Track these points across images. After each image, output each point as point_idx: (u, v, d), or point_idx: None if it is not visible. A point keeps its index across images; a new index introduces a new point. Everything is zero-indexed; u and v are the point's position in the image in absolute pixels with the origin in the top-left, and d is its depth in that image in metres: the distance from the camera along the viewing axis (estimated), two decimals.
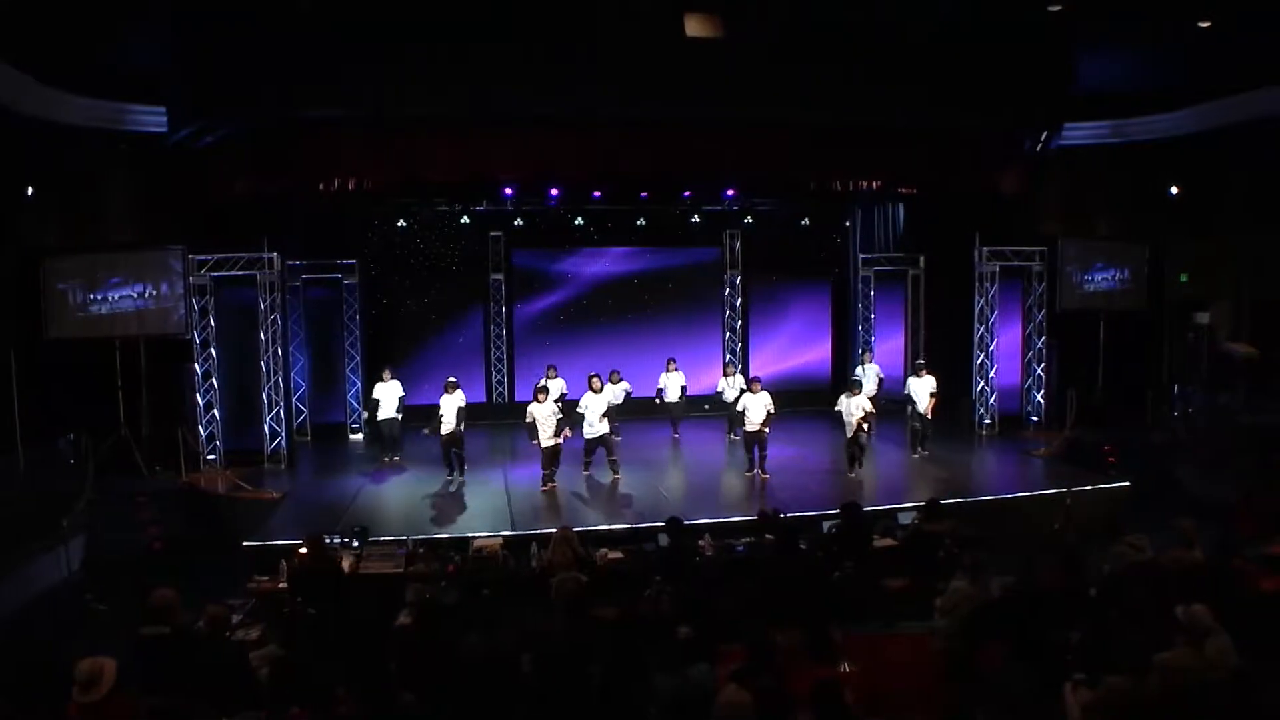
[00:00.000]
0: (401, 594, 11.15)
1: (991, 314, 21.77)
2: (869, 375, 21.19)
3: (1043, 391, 22.10)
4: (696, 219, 24.76)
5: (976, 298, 21.73)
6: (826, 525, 13.80)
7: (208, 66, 17.16)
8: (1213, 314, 22.22)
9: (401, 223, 23.64)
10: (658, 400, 21.41)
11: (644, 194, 22.30)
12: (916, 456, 19.42)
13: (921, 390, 19.21)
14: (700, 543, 13.06)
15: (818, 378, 25.80)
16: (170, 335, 18.74)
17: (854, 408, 17.65)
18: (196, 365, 19.13)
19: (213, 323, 19.23)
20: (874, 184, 21.20)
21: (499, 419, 23.24)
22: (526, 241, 24.64)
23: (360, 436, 22.71)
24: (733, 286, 25.68)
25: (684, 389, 21.37)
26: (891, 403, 21.09)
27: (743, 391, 18.68)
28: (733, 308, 25.68)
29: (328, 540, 12.65)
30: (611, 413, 18.64)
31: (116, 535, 16.12)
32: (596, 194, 21.86)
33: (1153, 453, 19.35)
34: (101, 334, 18.24)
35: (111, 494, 16.89)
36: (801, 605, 10.04)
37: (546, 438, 17.17)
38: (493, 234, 24.39)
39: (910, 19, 18.04)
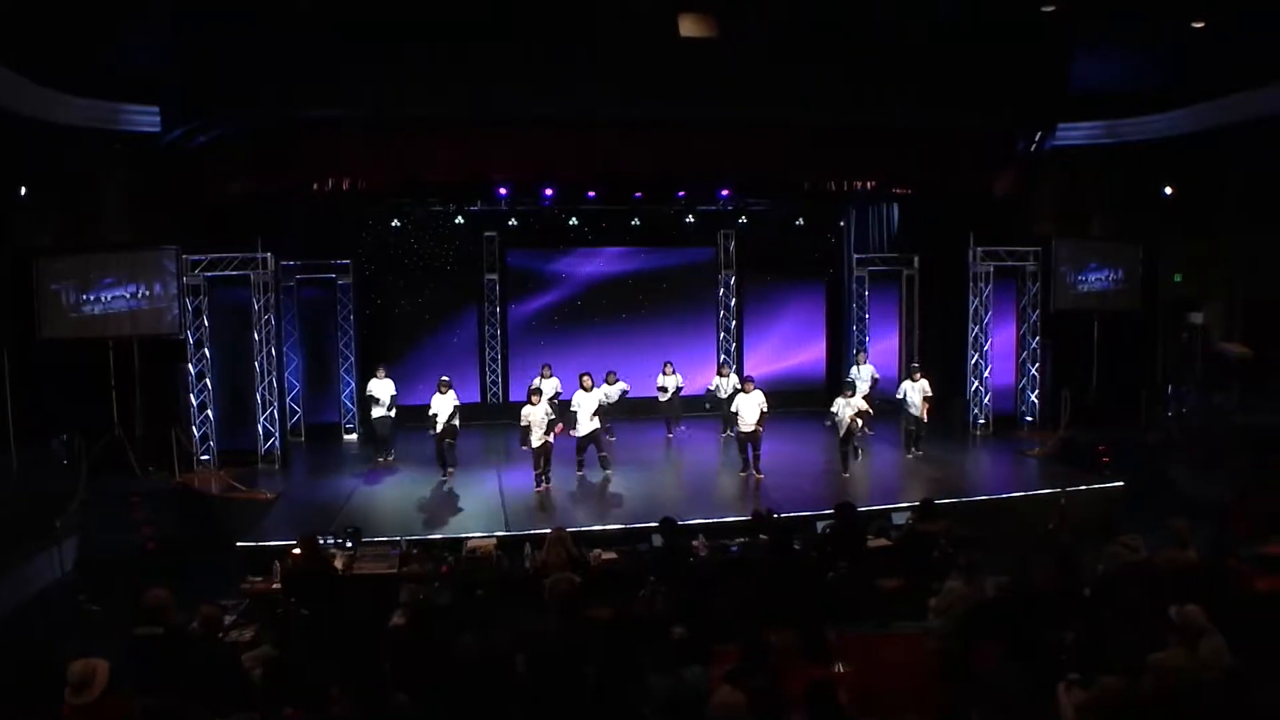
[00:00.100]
0: (395, 595, 11.17)
1: (986, 314, 21.78)
2: (863, 376, 21.17)
3: (1037, 391, 22.12)
4: (691, 219, 24.75)
5: (971, 298, 21.74)
6: (821, 525, 13.83)
7: (202, 66, 17.15)
8: (1206, 314, 22.25)
9: (396, 223, 23.59)
10: (660, 399, 21.43)
11: (639, 194, 22.26)
12: (910, 457, 19.42)
13: (915, 394, 19.20)
14: (694, 543, 13.08)
15: (812, 378, 25.78)
16: (164, 335, 18.72)
17: (848, 407, 17.65)
18: (190, 365, 19.10)
19: (206, 323, 19.21)
20: (868, 184, 21.23)
21: (493, 419, 23.21)
22: (521, 242, 24.61)
23: (354, 437, 22.69)
24: (727, 287, 25.68)
25: (679, 390, 21.35)
26: (885, 403, 21.06)
27: (737, 391, 18.67)
28: (727, 308, 25.68)
29: (321, 541, 12.64)
30: (604, 411, 18.68)
31: (110, 535, 16.10)
32: (591, 194, 21.83)
33: (1147, 453, 19.37)
34: (94, 334, 18.21)
35: (105, 494, 16.87)
36: (796, 605, 10.03)
37: (537, 437, 17.16)
38: (487, 234, 24.37)
39: (905, 19, 18.05)
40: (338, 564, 12.46)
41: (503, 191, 21.47)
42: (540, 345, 23.86)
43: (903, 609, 10.96)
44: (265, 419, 19.68)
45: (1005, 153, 20.74)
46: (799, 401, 24.03)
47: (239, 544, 14.41)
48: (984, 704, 7.72)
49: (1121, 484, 17.14)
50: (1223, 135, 20.76)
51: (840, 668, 8.91)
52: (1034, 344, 22.08)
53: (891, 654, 9.78)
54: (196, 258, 18.91)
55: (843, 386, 18.90)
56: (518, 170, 19.59)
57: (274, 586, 12.07)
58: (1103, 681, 6.85)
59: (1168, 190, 22.33)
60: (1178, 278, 22.89)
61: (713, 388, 21.20)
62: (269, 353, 19.73)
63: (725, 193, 22.82)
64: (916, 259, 24.97)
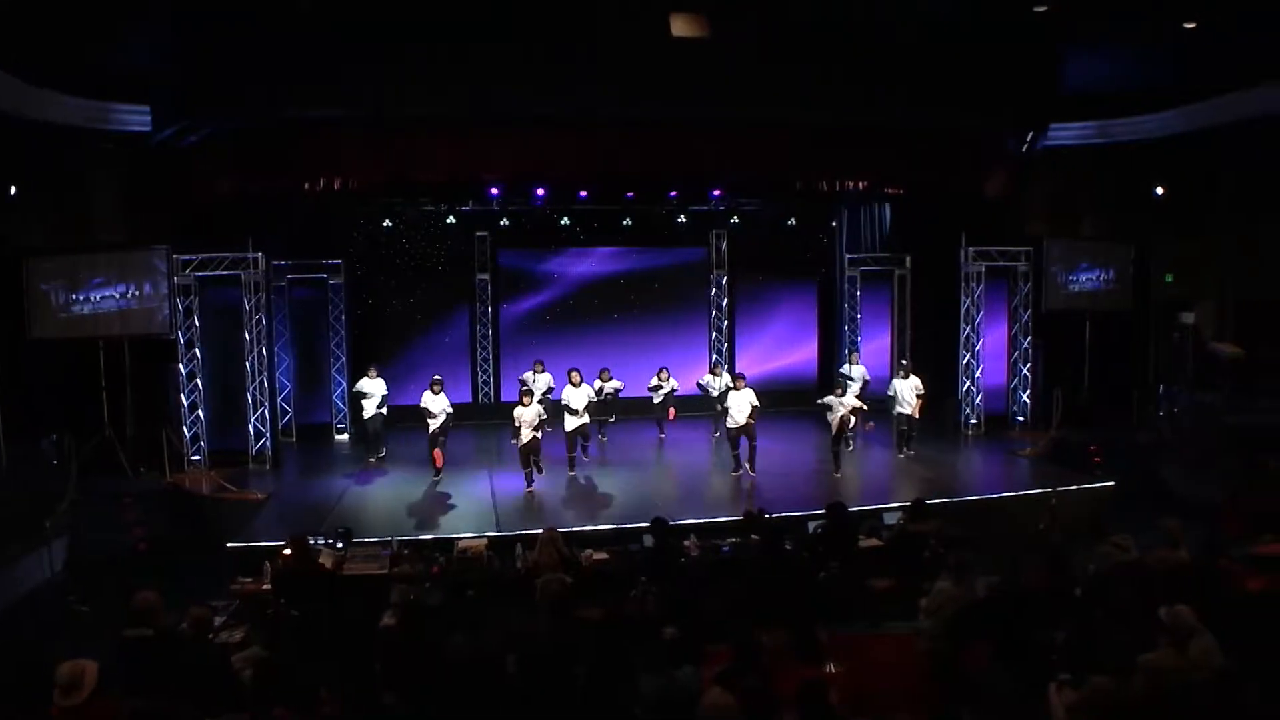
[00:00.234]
0: (386, 595, 11.13)
1: (977, 314, 21.80)
2: (855, 376, 21.12)
3: (1028, 391, 22.13)
4: (683, 219, 24.71)
5: (962, 298, 21.76)
6: (812, 525, 13.78)
7: (192, 66, 17.11)
8: (1198, 314, 22.29)
9: (387, 223, 23.56)
10: (654, 400, 21.41)
11: (631, 194, 22.26)
12: (902, 456, 19.42)
13: (907, 392, 19.20)
14: (686, 543, 13.04)
15: (804, 378, 25.78)
16: (154, 335, 18.66)
17: (841, 405, 17.64)
18: (181, 365, 19.05)
19: (197, 323, 19.16)
20: (860, 184, 21.23)
21: (485, 419, 23.19)
22: (512, 241, 24.59)
23: (345, 437, 22.65)
24: (719, 286, 25.67)
25: (673, 391, 21.30)
26: (878, 403, 21.04)
27: (728, 389, 18.68)
28: (719, 308, 25.67)
29: (312, 541, 12.61)
30: (598, 409, 18.73)
31: (100, 536, 16.06)
32: (583, 194, 21.80)
33: (1138, 453, 19.40)
34: (84, 334, 18.15)
35: (95, 495, 16.81)
36: (787, 606, 10.03)
37: (526, 436, 17.15)
38: (479, 234, 24.34)
39: (897, 20, 18.07)
40: (326, 563, 12.41)
41: (494, 191, 21.46)
42: (532, 345, 23.76)
43: (894, 609, 10.94)
44: (256, 419, 19.64)
45: (997, 153, 20.76)
46: (791, 401, 23.98)
47: (229, 544, 14.38)
48: (975, 704, 7.72)
49: (1113, 484, 17.17)
50: (1214, 135, 20.80)
51: (831, 668, 8.90)
52: (1026, 344, 22.09)
53: (883, 654, 9.77)
54: (187, 257, 18.86)
55: (834, 384, 18.87)
56: (509, 170, 19.61)
57: (264, 587, 12.03)
58: (1093, 682, 6.85)
59: (1159, 190, 22.36)
60: (1169, 278, 22.95)
61: (704, 383, 21.18)
62: (260, 353, 19.68)
63: (717, 193, 22.82)
64: (908, 259, 24.95)
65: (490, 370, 24.78)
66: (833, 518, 13.07)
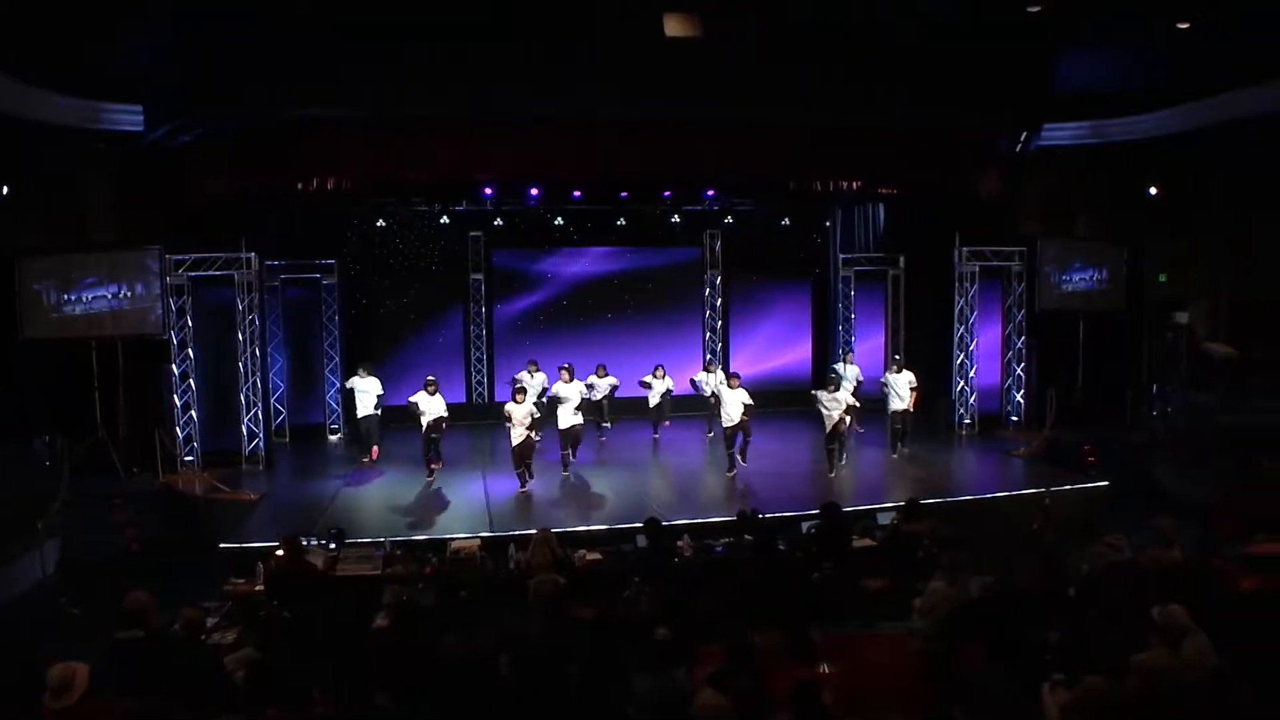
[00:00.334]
0: (379, 596, 11.13)
1: (971, 314, 21.81)
2: (849, 376, 21.12)
3: (1022, 391, 22.15)
4: (676, 219, 24.72)
5: (956, 298, 21.78)
6: (806, 526, 13.81)
7: (185, 66, 17.15)
8: (1192, 314, 22.30)
9: (381, 223, 23.53)
10: (651, 402, 21.35)
11: (624, 194, 22.23)
12: (896, 456, 19.41)
13: (901, 385, 19.19)
14: (679, 544, 13.04)
15: (798, 378, 25.73)
16: (147, 335, 18.60)
17: (835, 402, 17.59)
18: (174, 366, 19.01)
19: (190, 323, 19.12)
20: (854, 184, 21.22)
21: (479, 419, 23.15)
22: (506, 241, 24.57)
23: (339, 437, 22.62)
24: (713, 286, 25.67)
25: (669, 392, 21.27)
26: (872, 402, 21.02)
27: (721, 385, 18.67)
28: (713, 308, 25.66)
29: (305, 542, 12.58)
30: (595, 408, 18.74)
31: (93, 537, 16.02)
32: (577, 194, 21.77)
33: (1132, 453, 19.41)
34: (76, 334, 18.09)
35: (88, 496, 16.78)
36: (780, 606, 10.02)
37: (518, 436, 17.12)
38: (472, 234, 24.32)
39: (891, 20, 18.07)
40: (316, 564, 12.38)
41: (488, 191, 21.42)
42: (526, 345, 23.72)
43: (888, 609, 10.94)
44: (249, 420, 19.60)
45: (991, 153, 20.78)
46: (785, 401, 24.01)
47: (222, 545, 14.34)
48: (969, 704, 7.71)
49: (1106, 484, 17.17)
50: (1208, 136, 20.79)
51: (825, 668, 8.90)
52: (1019, 344, 22.11)
53: (876, 654, 9.77)
54: (180, 257, 18.81)
55: (825, 380, 18.83)
56: (503, 170, 19.60)
57: (257, 588, 12.00)
58: (1087, 682, 6.84)
59: (1153, 190, 22.36)
60: (1163, 277, 22.95)
61: (698, 380, 21.16)
62: (253, 353, 19.64)
63: (711, 193, 22.80)
64: (902, 259, 24.97)
65: (484, 370, 24.75)
66: (826, 518, 13.06)
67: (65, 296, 18.01)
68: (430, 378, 18.21)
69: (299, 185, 18.67)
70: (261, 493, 17.70)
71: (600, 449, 20.43)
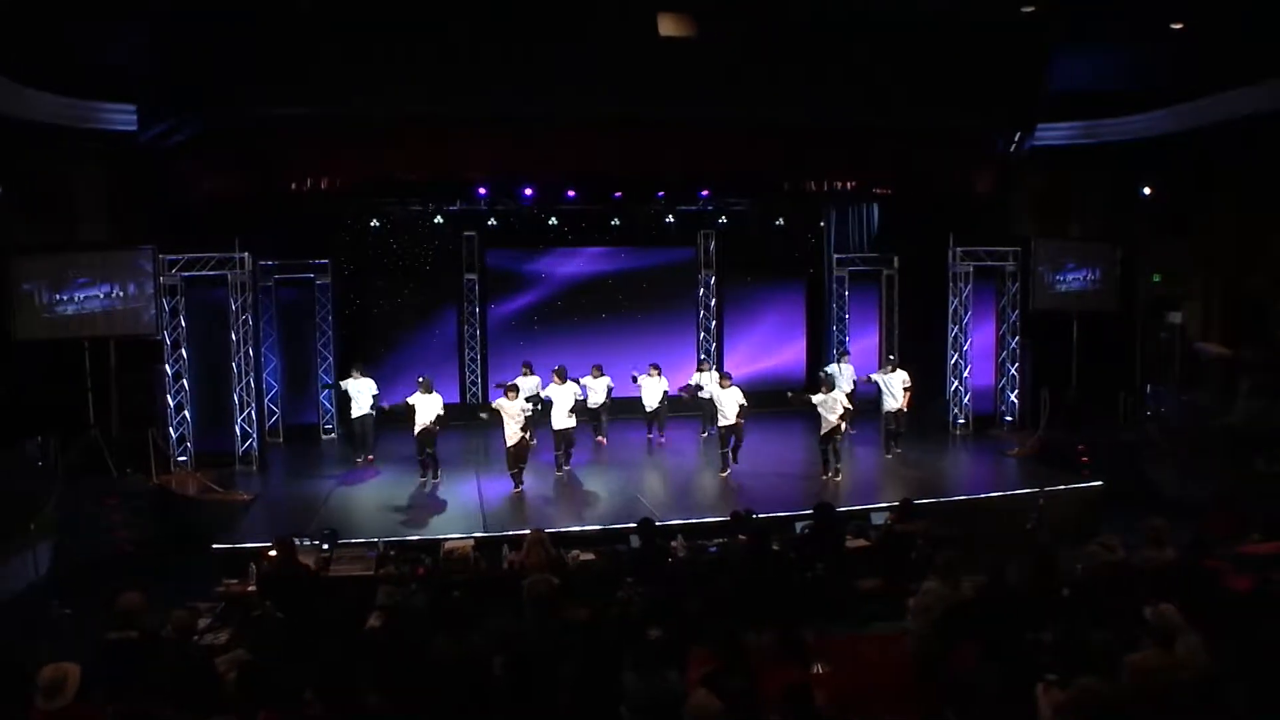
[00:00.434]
0: (372, 596, 11.10)
1: (965, 314, 21.81)
2: (844, 376, 21.11)
3: (1016, 391, 22.14)
4: (671, 219, 24.70)
5: (951, 298, 21.77)
6: (799, 526, 13.80)
7: (180, 64, 17.04)
8: (1185, 314, 22.32)
9: (374, 222, 23.50)
10: (634, 379, 21.31)
11: (618, 194, 22.18)
12: (889, 457, 19.39)
13: (894, 385, 19.15)
14: (673, 544, 13.04)
15: (792, 378, 25.73)
16: (140, 336, 18.55)
17: (832, 404, 17.55)
18: (167, 366, 18.96)
19: (183, 323, 19.08)
20: (848, 184, 21.21)
21: (473, 420, 23.07)
22: (500, 241, 24.54)
23: (333, 437, 22.57)
24: (707, 287, 25.64)
25: (666, 394, 21.21)
26: (867, 403, 21.00)
27: (719, 386, 18.66)
28: (707, 308, 25.64)
29: (298, 543, 12.57)
30: (591, 410, 18.91)
31: (85, 538, 16.04)
32: (571, 194, 21.71)
33: (1126, 453, 19.41)
34: (68, 335, 18.01)
35: (81, 496, 16.73)
36: (774, 606, 10.03)
37: (512, 435, 17.11)
38: (466, 234, 24.28)
39: (884, 20, 18.07)
40: (307, 564, 12.38)
41: (482, 191, 21.40)
42: (520, 345, 23.72)
43: (881, 609, 10.96)
44: (243, 420, 19.58)
45: (985, 153, 20.77)
46: (779, 401, 23.94)
47: (215, 546, 14.30)
48: (962, 704, 7.71)
49: (1100, 484, 17.15)
50: (1202, 135, 20.80)
51: (819, 668, 8.90)
52: (1014, 344, 22.10)
53: (870, 655, 9.80)
54: (173, 257, 18.77)
55: (820, 381, 18.80)
56: (497, 170, 19.56)
57: (250, 589, 11.98)
58: (1081, 682, 6.83)
59: (1146, 190, 22.37)
60: (1157, 278, 22.97)
61: (693, 382, 21.14)
62: (246, 353, 19.62)
63: (705, 193, 22.77)
64: (896, 259, 24.94)
65: (478, 371, 24.71)
66: (820, 518, 13.06)
67: (57, 296, 17.94)
68: (421, 378, 18.18)
69: (292, 185, 18.62)
70: (255, 493, 17.67)
71: (595, 450, 20.38)
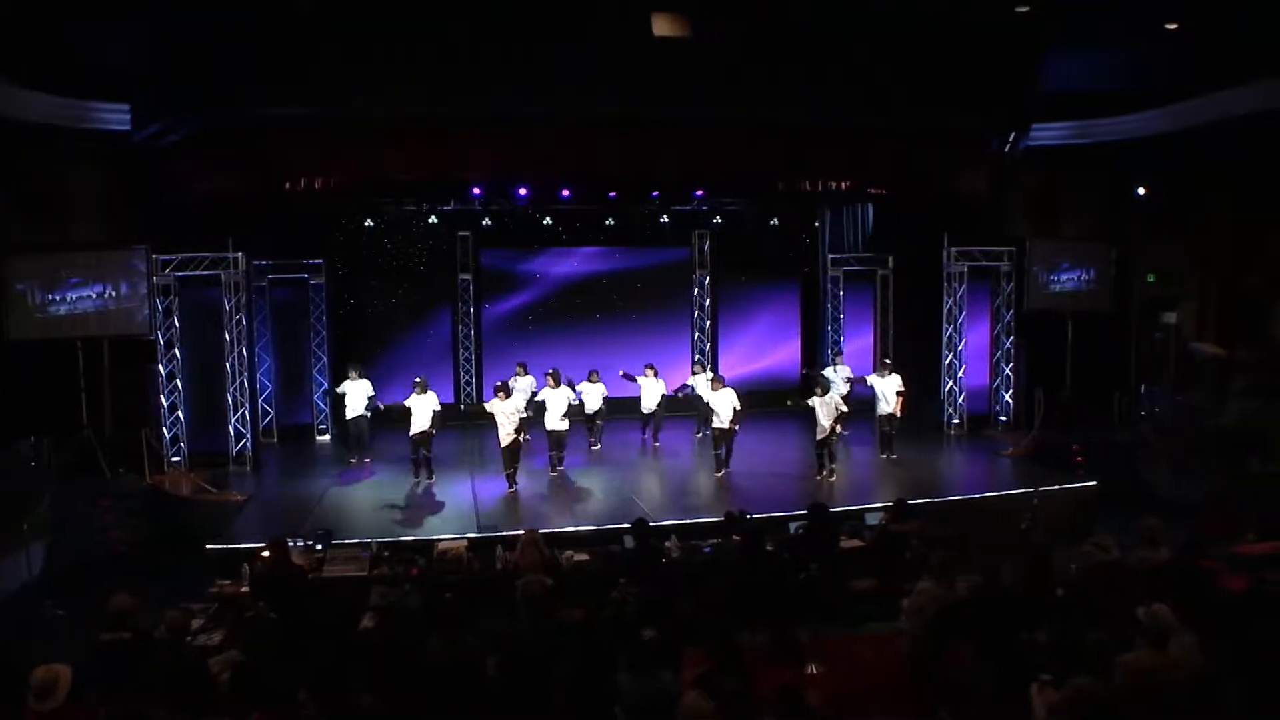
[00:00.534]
0: (366, 597, 11.09)
1: (960, 314, 21.81)
2: (839, 376, 21.09)
3: (1011, 391, 22.14)
4: (665, 219, 24.69)
5: (945, 298, 21.76)
6: (793, 526, 13.79)
7: (174, 64, 17.11)
8: (1180, 314, 22.33)
9: (369, 222, 23.46)
10: (621, 374, 21.13)
11: (613, 194, 22.18)
12: (884, 458, 19.37)
13: (888, 389, 19.13)
14: (667, 544, 13.03)
15: (787, 378, 25.77)
16: (134, 336, 18.51)
17: (826, 408, 17.54)
18: (160, 366, 18.93)
19: (177, 323, 19.03)
20: (843, 184, 21.22)
21: (468, 420, 23.09)
22: (495, 241, 24.49)
23: (327, 438, 22.53)
24: (701, 287, 25.63)
25: (663, 395, 21.04)
26: (862, 403, 20.98)
27: (711, 387, 18.65)
28: (701, 308, 25.62)
29: (292, 543, 12.55)
30: (588, 414, 19.03)
31: (79, 538, 16.02)
32: (565, 193, 21.69)
33: (1120, 453, 19.41)
34: (61, 335, 17.96)
35: (74, 496, 16.70)
36: (768, 607, 10.02)
37: (506, 435, 17.11)
38: (461, 234, 24.24)
39: (879, 20, 18.07)
40: (299, 564, 12.36)
41: (476, 191, 21.38)
42: (514, 345, 23.70)
43: (876, 609, 10.96)
44: (236, 420, 19.52)
45: (979, 153, 20.78)
46: (773, 402, 24.07)
47: (209, 547, 14.25)
48: (957, 704, 7.70)
49: (1095, 484, 17.15)
50: (1196, 135, 20.81)
51: (813, 669, 8.89)
52: (1008, 344, 22.10)
53: (864, 655, 9.80)
54: (166, 257, 18.72)
55: (814, 383, 18.79)
56: (492, 169, 19.58)
57: (243, 590, 11.97)
58: (1075, 682, 6.83)
59: (1141, 190, 22.38)
60: (1151, 278, 22.98)
61: (689, 383, 21.12)
62: (240, 353, 19.55)
63: (700, 192, 22.76)
64: (891, 259, 24.96)
65: (473, 371, 24.69)
66: (814, 518, 13.06)
67: (50, 296, 17.89)
68: (417, 378, 18.17)
69: (287, 185, 18.63)
70: (249, 494, 17.64)
71: (589, 452, 20.33)
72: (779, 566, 11.89)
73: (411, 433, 17.76)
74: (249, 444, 19.65)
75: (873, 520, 14.26)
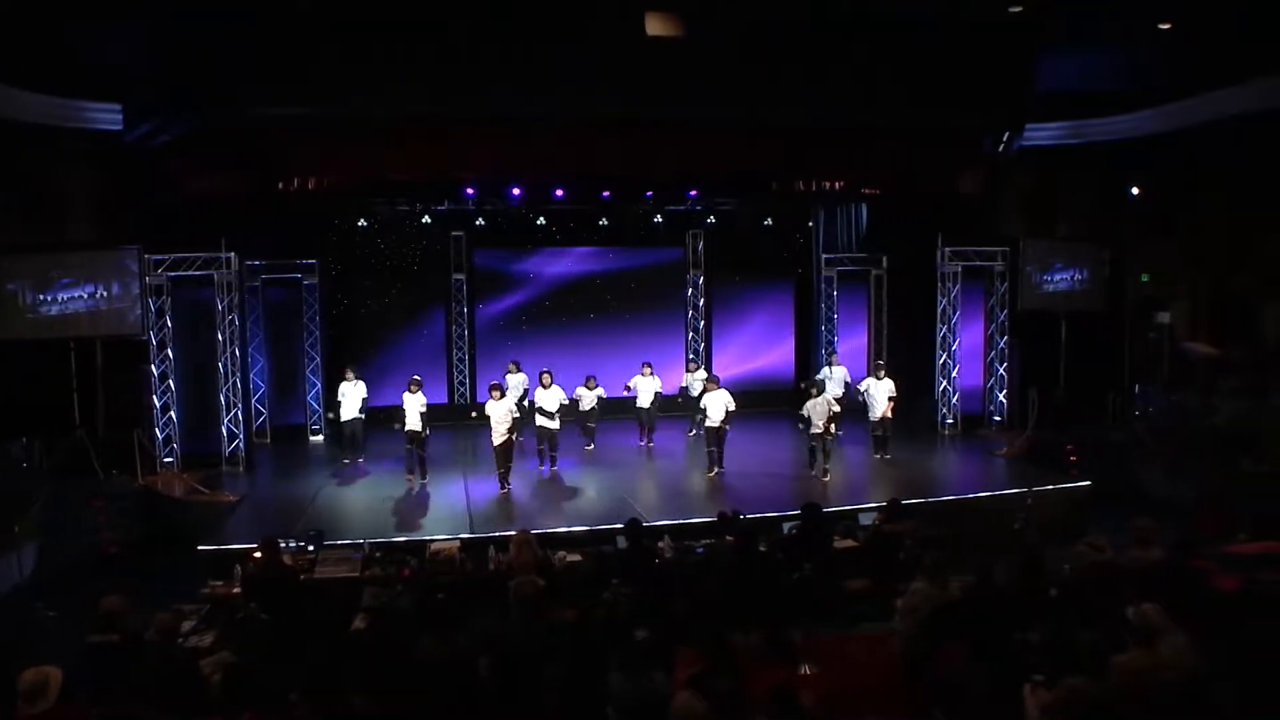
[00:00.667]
0: (358, 598, 11.07)
1: (954, 314, 21.82)
2: (835, 377, 21.10)
3: (1005, 391, 22.16)
4: (659, 219, 24.66)
5: (939, 298, 21.79)
6: (787, 526, 13.78)
7: (166, 63, 17.07)
8: (1173, 314, 22.35)
9: (362, 222, 23.39)
10: (625, 390, 21.13)
11: (607, 194, 22.13)
12: (879, 458, 19.36)
13: (880, 394, 19.13)
14: (660, 544, 13.02)
15: (781, 378, 25.78)
16: (126, 336, 18.47)
17: (819, 409, 17.54)
18: (153, 367, 18.89)
19: (169, 324, 19.01)
20: (837, 184, 21.18)
21: (461, 420, 23.05)
22: (488, 241, 24.46)
23: (320, 438, 22.50)
24: (695, 287, 25.64)
25: (659, 395, 21.05)
26: (853, 403, 20.96)
27: (704, 390, 18.66)
28: (696, 308, 25.63)
29: (284, 544, 12.53)
30: (566, 409, 18.97)
31: (71, 539, 15.97)
32: (559, 193, 21.63)
33: (1114, 453, 19.42)
34: (52, 335, 17.92)
35: (66, 497, 16.65)
36: (761, 607, 10.01)
37: (499, 435, 17.11)
38: (454, 233, 24.22)
39: (873, 21, 18.08)
40: (294, 565, 12.34)
41: (470, 191, 21.32)
42: (508, 345, 23.67)
43: (869, 610, 10.94)
44: (229, 420, 19.50)
45: (973, 153, 20.78)
46: (768, 401, 24.06)
47: (201, 548, 14.22)
48: (950, 705, 7.69)
49: (1089, 484, 17.16)
50: (1189, 135, 20.84)
51: (806, 669, 8.87)
52: (1002, 344, 22.12)
53: (857, 655, 9.78)
54: (159, 257, 18.69)
55: (809, 386, 18.79)
56: (485, 169, 19.51)
57: (235, 591, 11.93)
58: (1068, 682, 6.82)
59: (1134, 190, 22.40)
60: (1145, 277, 23.00)
61: (685, 385, 21.12)
62: (233, 354, 19.54)
63: (693, 192, 22.72)
64: (885, 259, 24.95)
65: (466, 371, 24.66)
66: (807, 518, 13.04)
67: (40, 296, 17.84)
68: (416, 377, 18.15)
69: (279, 185, 18.55)
70: (241, 494, 17.63)
71: (582, 452, 20.29)
72: (772, 567, 11.88)
73: (405, 429, 17.74)
74: (242, 444, 19.64)
75: (866, 520, 14.25)
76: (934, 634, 8.91)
